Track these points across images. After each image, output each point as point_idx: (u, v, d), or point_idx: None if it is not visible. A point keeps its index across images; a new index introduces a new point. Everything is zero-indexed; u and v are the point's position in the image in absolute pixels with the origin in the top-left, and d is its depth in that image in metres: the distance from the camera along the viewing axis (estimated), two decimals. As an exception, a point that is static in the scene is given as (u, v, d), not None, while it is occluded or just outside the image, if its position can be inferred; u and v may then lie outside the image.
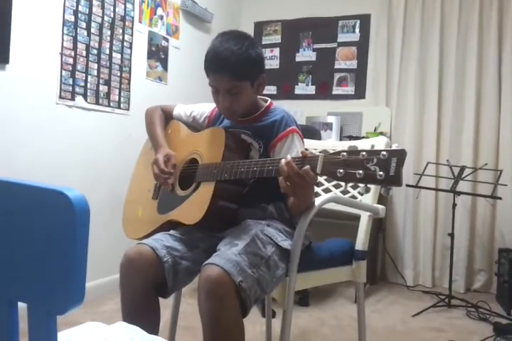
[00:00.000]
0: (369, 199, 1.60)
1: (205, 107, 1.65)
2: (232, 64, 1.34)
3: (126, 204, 1.70)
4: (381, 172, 0.99)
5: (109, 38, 2.66)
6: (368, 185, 1.06)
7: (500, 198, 2.81)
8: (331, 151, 1.78)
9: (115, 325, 1.01)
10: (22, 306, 0.67)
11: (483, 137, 3.28)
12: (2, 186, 0.72)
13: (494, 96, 3.25)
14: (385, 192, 1.03)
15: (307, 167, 1.12)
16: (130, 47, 2.82)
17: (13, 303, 0.70)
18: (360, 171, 1.02)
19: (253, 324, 2.23)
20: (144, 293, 1.33)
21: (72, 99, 2.46)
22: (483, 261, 3.25)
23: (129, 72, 2.82)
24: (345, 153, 1.06)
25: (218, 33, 1.44)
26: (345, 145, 1.85)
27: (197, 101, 1.76)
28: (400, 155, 1.00)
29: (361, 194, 1.63)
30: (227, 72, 1.36)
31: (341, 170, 1.05)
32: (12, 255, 0.68)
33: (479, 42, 3.26)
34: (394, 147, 1.02)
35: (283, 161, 1.16)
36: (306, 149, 1.77)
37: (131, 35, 2.82)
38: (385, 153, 1.00)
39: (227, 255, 1.19)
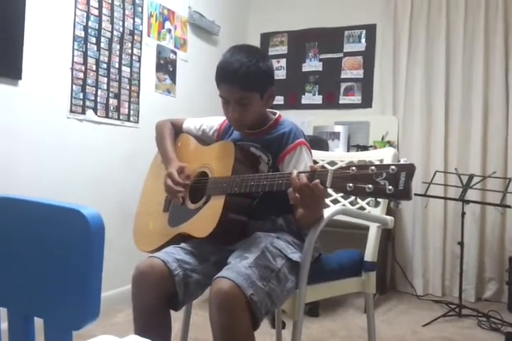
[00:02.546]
0: (378, 210, 1.61)
1: (214, 121, 1.68)
2: (242, 74, 1.37)
3: (137, 217, 1.72)
4: (390, 187, 1.01)
5: (118, 52, 2.70)
6: (378, 199, 1.07)
7: (509, 206, 2.79)
8: (339, 162, 1.81)
9: (127, 338, 1.02)
10: (39, 321, 0.68)
11: (492, 145, 3.28)
12: (19, 204, 0.74)
13: (502, 104, 3.24)
14: (395, 205, 1.04)
15: (317, 181, 1.14)
16: (139, 61, 2.86)
17: (30, 318, 0.71)
18: (370, 185, 1.03)
19: (263, 335, 2.23)
20: (155, 305, 1.34)
21: (83, 113, 2.50)
22: (494, 270, 3.23)
23: (138, 85, 2.86)
24: (354, 168, 1.07)
25: (230, 47, 1.47)
26: (352, 156, 1.88)
27: (205, 113, 1.78)
28: (409, 169, 1.01)
29: (370, 206, 1.64)
30: (236, 82, 1.38)
31: (351, 185, 1.06)
32: (28, 271, 0.70)
33: (485, 50, 3.27)
34: (403, 161, 1.03)
35: (294, 173, 1.18)
36: (315, 161, 1.79)
37: (140, 49, 2.86)
38: (394, 167, 1.01)
39: (238, 268, 1.21)
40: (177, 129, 1.72)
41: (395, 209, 1.08)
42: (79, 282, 0.66)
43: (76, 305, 0.66)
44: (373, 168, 1.04)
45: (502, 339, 2.41)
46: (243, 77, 1.37)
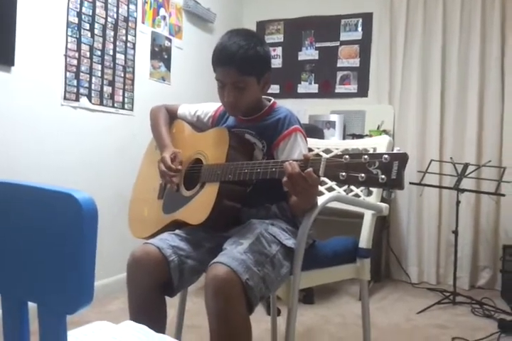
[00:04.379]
0: (373, 197, 1.61)
1: (209, 107, 1.66)
2: (239, 57, 1.36)
3: (131, 204, 1.72)
4: (383, 176, 1.01)
5: (112, 39, 2.67)
6: (371, 188, 1.07)
7: (503, 195, 2.81)
8: (334, 151, 1.80)
9: (123, 323, 1.02)
10: (32, 306, 0.68)
11: (487, 134, 3.28)
12: (11, 188, 0.73)
13: (497, 93, 3.24)
14: (388, 195, 1.04)
15: (310, 169, 1.13)
16: (133, 48, 2.83)
17: (24, 303, 0.71)
18: (363, 174, 1.03)
19: (258, 322, 2.25)
20: (150, 292, 1.35)
21: (77, 100, 2.48)
22: (488, 258, 3.26)
23: (133, 73, 2.84)
24: (347, 156, 1.07)
25: (227, 31, 1.45)
26: (348, 144, 1.87)
27: (200, 101, 1.77)
28: (402, 158, 1.01)
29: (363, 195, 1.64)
30: (233, 65, 1.37)
31: (344, 173, 1.06)
32: (21, 256, 0.70)
33: (482, 39, 3.26)
34: (396, 150, 1.03)
35: (287, 162, 1.18)
36: (310, 149, 1.79)
37: (135, 36, 2.84)
38: (387, 156, 1.01)
39: (233, 254, 1.21)
40: (172, 115, 1.71)
41: (388, 198, 1.07)
42: (72, 266, 0.66)
43: (70, 290, 0.66)
44: (366, 156, 1.04)
45: (495, 325, 2.43)
46: (241, 60, 1.36)
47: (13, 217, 0.71)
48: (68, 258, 0.66)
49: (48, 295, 0.68)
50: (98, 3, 2.56)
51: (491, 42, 3.24)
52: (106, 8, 2.62)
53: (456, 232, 2.88)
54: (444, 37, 3.36)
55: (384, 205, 1.58)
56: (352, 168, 1.06)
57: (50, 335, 0.67)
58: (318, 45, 3.81)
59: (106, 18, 2.62)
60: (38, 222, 0.69)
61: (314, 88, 3.83)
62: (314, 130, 3.21)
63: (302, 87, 3.87)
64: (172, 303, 1.51)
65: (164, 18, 3.09)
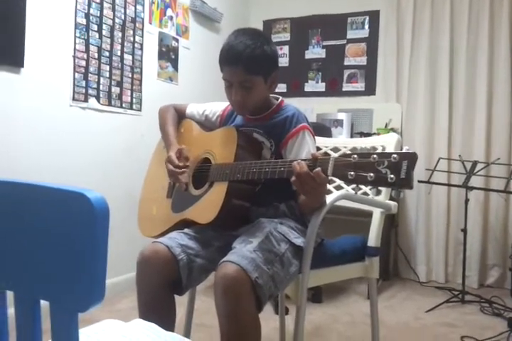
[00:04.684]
0: (381, 196, 1.61)
1: (217, 106, 1.67)
2: (246, 57, 1.36)
3: (141, 203, 1.73)
4: (392, 176, 1.00)
5: (120, 40, 2.69)
6: (379, 188, 1.06)
7: (513, 193, 2.80)
8: (342, 149, 1.80)
9: (133, 322, 1.03)
10: (45, 304, 0.69)
11: (495, 131, 3.26)
12: (23, 188, 0.74)
13: (506, 90, 3.22)
14: (396, 194, 1.03)
15: (318, 169, 1.13)
16: (141, 49, 2.85)
17: (36, 302, 0.72)
18: (371, 174, 1.03)
19: (267, 321, 2.25)
20: (159, 290, 1.36)
21: (86, 100, 2.50)
22: (497, 256, 3.24)
23: (141, 73, 2.85)
24: (356, 156, 1.06)
25: (234, 30, 1.46)
26: (356, 142, 1.87)
27: (208, 101, 1.78)
28: (411, 158, 1.00)
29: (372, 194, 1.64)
30: (240, 64, 1.37)
31: (352, 173, 1.06)
32: (34, 255, 0.71)
33: (490, 36, 3.23)
34: (405, 149, 1.02)
35: (295, 161, 1.18)
36: (319, 148, 1.79)
37: (142, 37, 2.85)
38: (396, 156, 1.01)
39: (243, 252, 1.22)
40: (180, 114, 1.71)
41: (396, 197, 1.07)
42: (84, 265, 0.66)
43: (81, 288, 0.67)
44: (375, 156, 1.04)
45: (504, 324, 2.42)
46: (248, 59, 1.36)
47: (26, 217, 0.72)
48: (80, 256, 0.66)
49: (60, 294, 0.69)
50: (105, 5, 2.58)
51: (500, 40, 3.22)
52: (113, 9, 2.63)
53: (464, 230, 2.87)
54: (452, 35, 3.34)
55: (393, 203, 1.58)
56: (361, 168, 1.05)
57: (62, 333, 0.67)
58: (325, 43, 3.81)
59: (113, 19, 2.64)
60: (50, 221, 0.70)
61: (321, 86, 3.83)
62: (322, 128, 3.20)
63: (309, 86, 3.87)
64: (181, 302, 1.52)
65: (171, 18, 3.10)
